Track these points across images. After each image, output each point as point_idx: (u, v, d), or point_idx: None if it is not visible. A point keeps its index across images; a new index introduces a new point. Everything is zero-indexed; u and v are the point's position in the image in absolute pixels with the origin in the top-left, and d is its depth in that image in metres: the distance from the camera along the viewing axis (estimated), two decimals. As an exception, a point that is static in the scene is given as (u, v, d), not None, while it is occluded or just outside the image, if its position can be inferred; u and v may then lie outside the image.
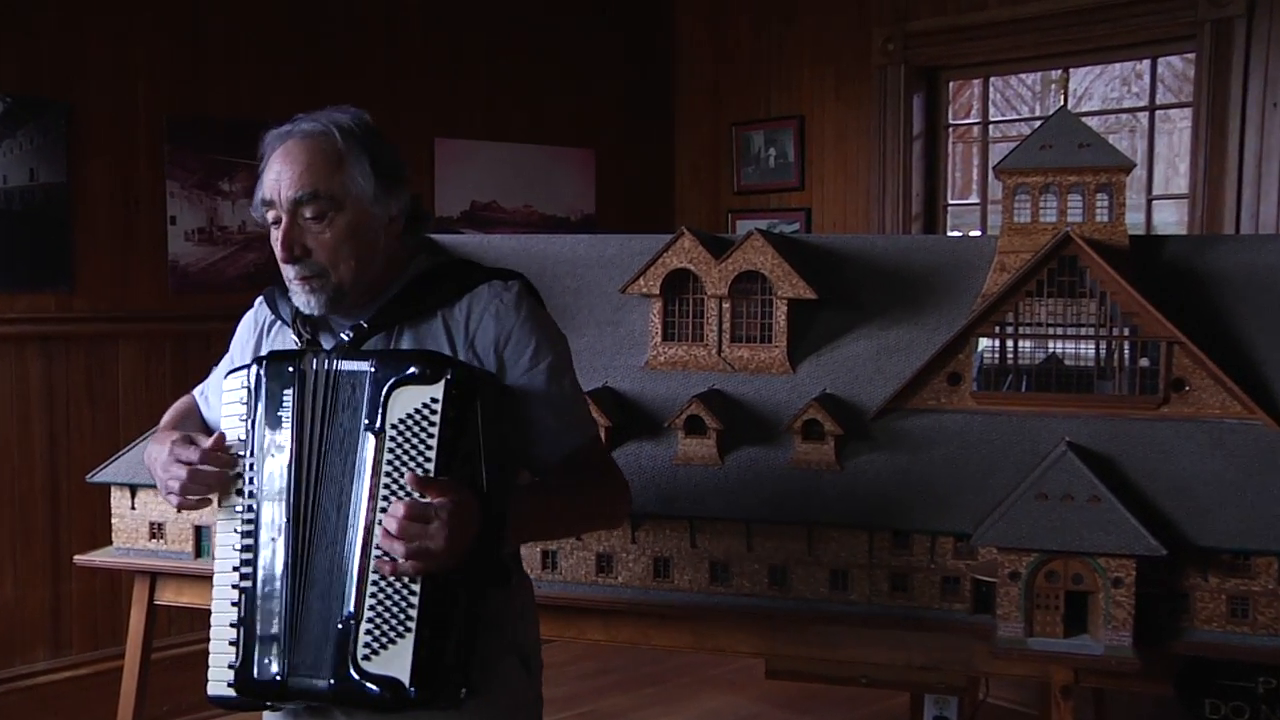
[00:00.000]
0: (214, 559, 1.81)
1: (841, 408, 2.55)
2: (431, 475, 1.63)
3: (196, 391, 2.17)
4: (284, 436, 1.73)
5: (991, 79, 4.85)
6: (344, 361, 1.73)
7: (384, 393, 1.65)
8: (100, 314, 4.06)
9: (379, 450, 1.64)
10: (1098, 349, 2.51)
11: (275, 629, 1.70)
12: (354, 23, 4.63)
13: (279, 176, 1.78)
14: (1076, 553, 2.14)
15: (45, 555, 4.00)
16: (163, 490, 1.83)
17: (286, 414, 1.72)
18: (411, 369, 1.66)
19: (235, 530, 1.77)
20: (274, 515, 1.73)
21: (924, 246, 2.84)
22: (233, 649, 1.74)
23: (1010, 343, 2.54)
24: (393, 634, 1.61)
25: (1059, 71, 4.63)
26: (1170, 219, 4.50)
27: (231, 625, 1.74)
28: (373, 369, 1.68)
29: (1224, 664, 2.17)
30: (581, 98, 5.36)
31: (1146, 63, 4.42)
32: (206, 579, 2.76)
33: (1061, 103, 2.75)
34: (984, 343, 2.55)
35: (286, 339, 1.92)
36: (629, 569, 2.48)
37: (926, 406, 2.54)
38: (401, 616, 1.61)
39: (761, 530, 2.42)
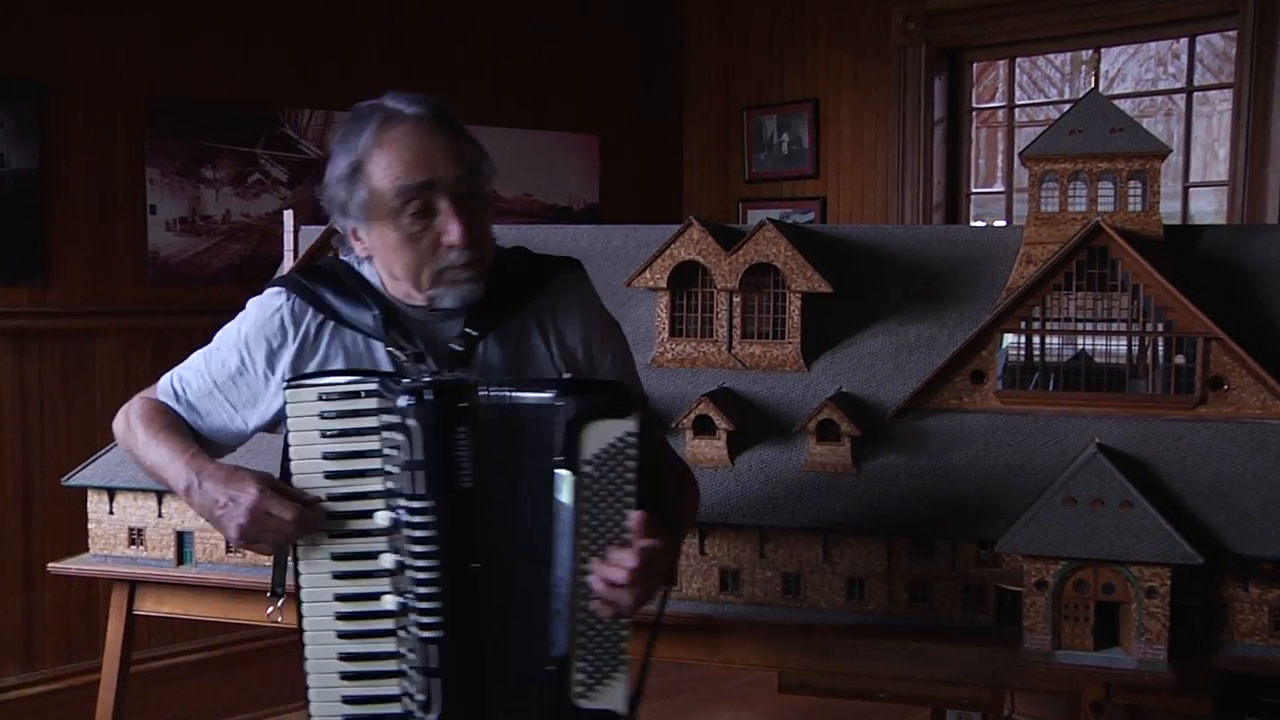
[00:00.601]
0: (304, 587, 1.73)
1: (858, 407, 2.55)
2: (633, 513, 1.65)
3: (164, 396, 1.98)
4: (446, 477, 1.67)
5: (1018, 60, 4.84)
6: (519, 393, 1.68)
7: (578, 428, 1.63)
8: (76, 308, 4.06)
9: (577, 489, 1.64)
10: (1130, 345, 2.50)
11: (467, 674, 1.70)
12: (348, 0, 4.63)
13: (429, 154, 1.75)
14: (1107, 561, 2.14)
15: (17, 563, 4.01)
16: (240, 541, 1.73)
17: (461, 453, 1.67)
18: (603, 402, 1.65)
19: (373, 557, 1.71)
20: (446, 559, 1.68)
21: (945, 237, 2.84)
22: (345, 683, 1.72)
23: (1037, 339, 2.53)
24: (607, 669, 1.68)
25: (1090, 51, 4.62)
26: (1208, 208, 4.49)
27: (357, 674, 1.72)
28: (560, 402, 1.65)
29: (1266, 680, 2.16)
30: (585, 80, 5.35)
31: (1184, 41, 4.41)
32: (189, 587, 2.80)
33: (1092, 85, 2.74)
34: (1009, 339, 2.54)
35: (349, 347, 1.84)
36: (634, 577, 2.48)
37: (948, 406, 2.53)
38: (614, 652, 1.68)
39: (774, 536, 2.42)
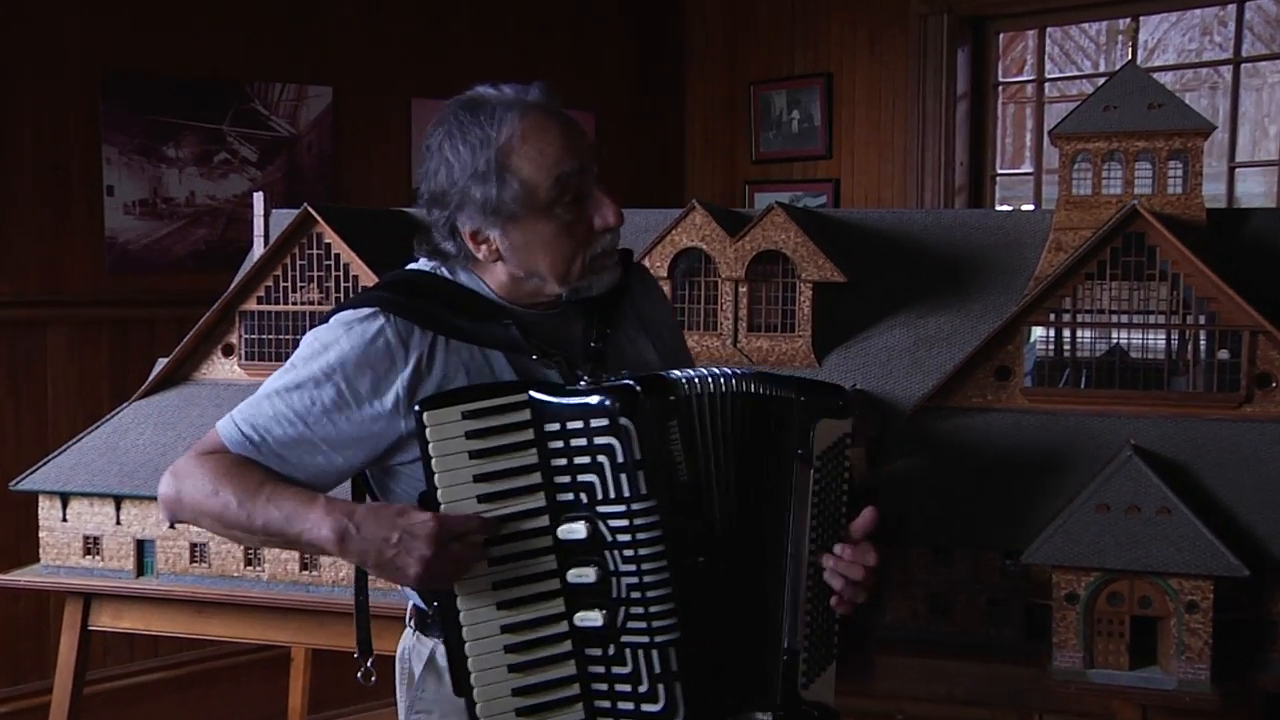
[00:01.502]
0: (465, 625, 1.73)
1: (874, 406, 2.55)
2: (845, 511, 1.79)
3: (239, 445, 1.82)
4: (666, 473, 1.72)
5: (1048, 29, 4.84)
6: (759, 384, 1.77)
7: (812, 424, 1.75)
8: (25, 297, 4.06)
9: (810, 483, 1.75)
10: (1169, 339, 2.50)
11: (704, 671, 1.75)
12: (320, -35, 4.63)
13: (574, 141, 1.81)
14: (1144, 572, 2.14)
15: (-37, 574, 4.01)
16: (425, 578, 1.70)
17: (674, 447, 1.74)
18: (831, 400, 1.78)
19: (547, 577, 1.73)
20: (673, 556, 1.72)
21: (968, 222, 2.84)
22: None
23: (1068, 332, 2.53)
24: (824, 661, 1.79)
25: (1127, 20, 4.61)
26: (1256, 189, 4.49)
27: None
28: (801, 398, 1.76)
29: (1314, 701, 2.17)
30: (579, 53, 5.35)
31: (1231, 7, 4.40)
32: (149, 600, 2.80)
33: (1130, 56, 2.74)
34: (1037, 332, 2.55)
35: (466, 362, 1.83)
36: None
37: (971, 404, 2.54)
38: (828, 645, 1.79)
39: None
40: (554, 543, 1.71)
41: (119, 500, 2.72)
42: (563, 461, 1.70)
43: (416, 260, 1.94)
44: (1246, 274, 2.48)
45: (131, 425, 2.85)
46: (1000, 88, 4.97)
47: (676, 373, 1.76)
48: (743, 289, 2.72)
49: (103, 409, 3.50)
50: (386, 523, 1.69)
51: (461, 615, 1.72)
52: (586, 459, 1.69)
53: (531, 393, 1.71)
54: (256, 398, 1.84)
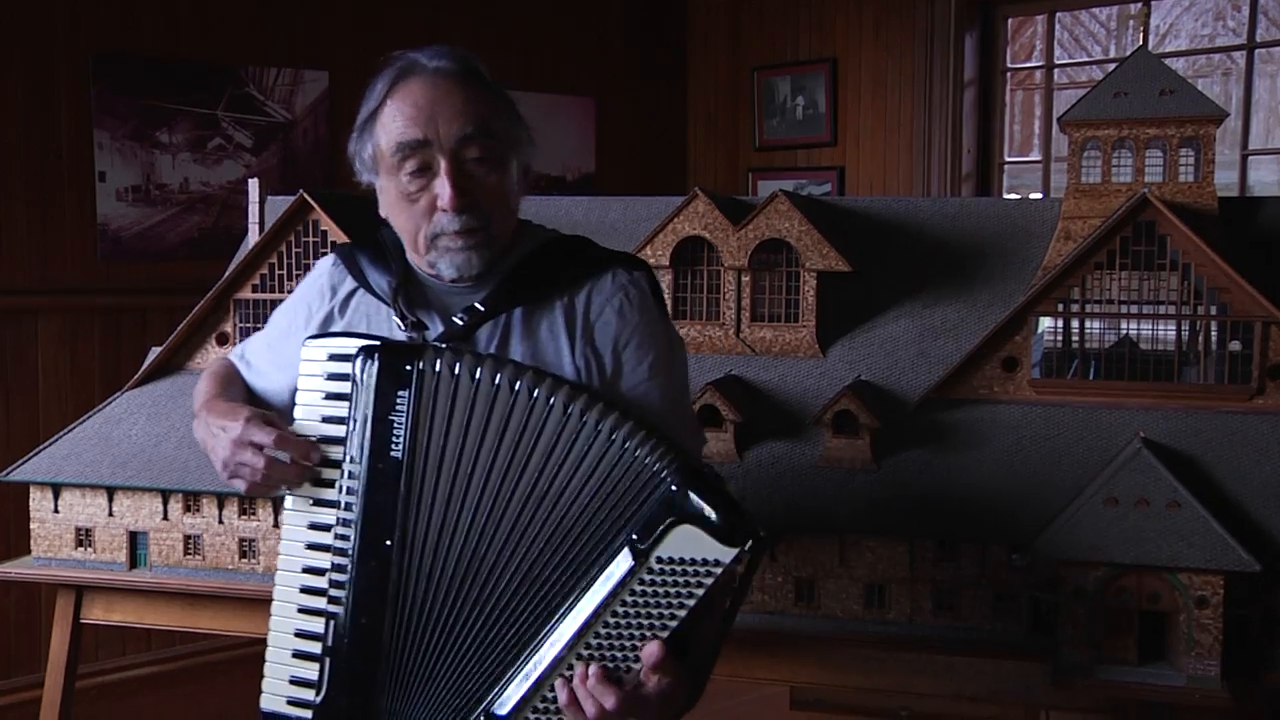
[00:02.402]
0: (281, 554, 1.79)
1: (879, 397, 2.55)
2: (665, 640, 1.60)
3: (234, 355, 2.17)
4: (375, 441, 1.71)
5: (1058, 14, 4.83)
6: (654, 459, 1.62)
7: (672, 520, 1.58)
8: (15, 286, 4.06)
9: (629, 578, 1.59)
10: (1180, 330, 2.50)
11: (376, 677, 1.72)
12: (315, -53, 4.62)
13: (432, 111, 1.80)
14: (1153, 567, 2.14)
15: (-47, 566, 4.02)
16: (224, 474, 1.82)
17: (396, 418, 1.71)
18: (717, 516, 1.57)
19: (322, 538, 1.76)
20: (360, 530, 1.72)
21: (976, 211, 2.84)
22: (301, 665, 1.76)
23: (1076, 323, 2.53)
24: None
25: (1138, 4, 4.61)
26: (1269, 178, 4.49)
27: (299, 653, 1.76)
28: (673, 485, 1.59)
29: (1327, 699, 2.17)
30: (581, 39, 5.35)
31: (1245, -9, 4.40)
32: (142, 593, 2.80)
33: (1141, 41, 2.74)
34: (1045, 323, 2.54)
35: (371, 314, 1.93)
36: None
37: (977, 396, 2.53)
38: None
39: (786, 538, 2.43)
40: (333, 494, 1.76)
41: (111, 491, 2.72)
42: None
43: None
44: (1259, 264, 2.48)
45: (124, 415, 2.86)
46: (1009, 74, 4.97)
47: (470, 357, 1.69)
48: (746, 278, 2.72)
49: (95, 399, 3.51)
50: (217, 418, 1.85)
51: (282, 542, 1.80)
52: (347, 413, 1.75)
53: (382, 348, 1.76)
54: None
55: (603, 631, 1.61)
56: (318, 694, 1.74)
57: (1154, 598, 2.16)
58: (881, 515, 2.40)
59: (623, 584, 1.59)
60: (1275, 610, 2.20)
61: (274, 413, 1.86)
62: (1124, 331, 2.54)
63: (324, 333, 1.90)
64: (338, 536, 1.73)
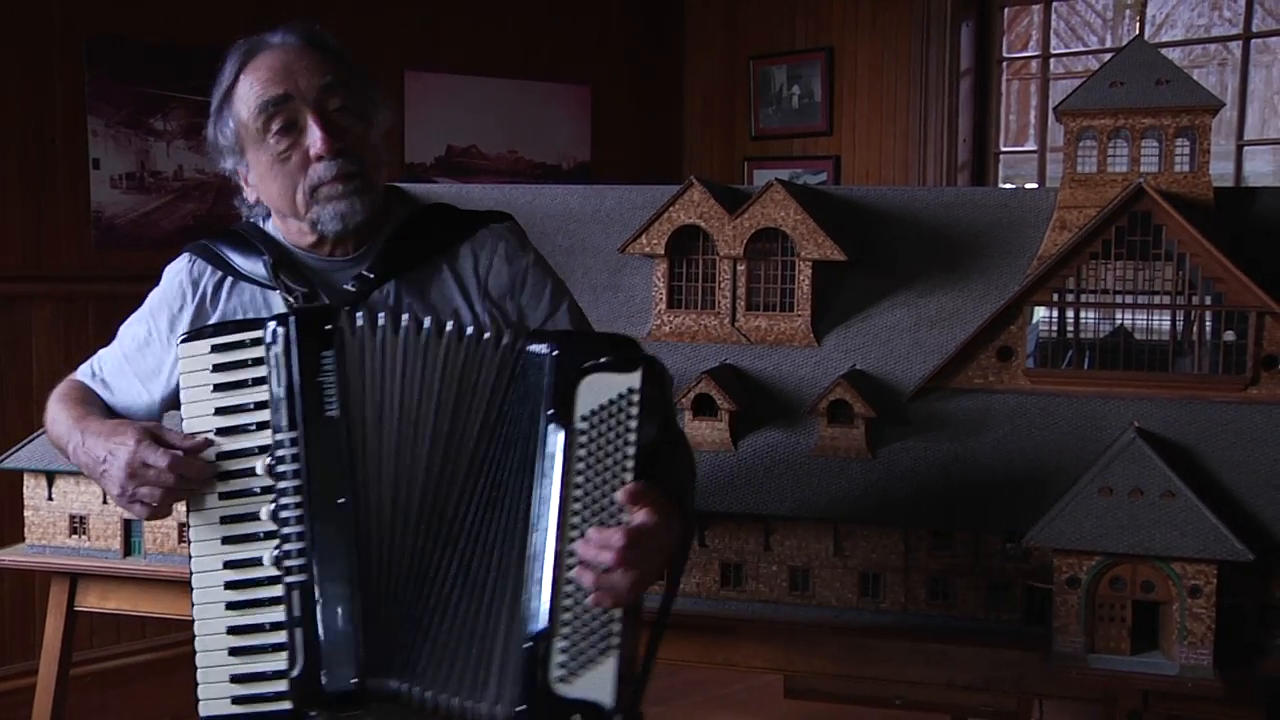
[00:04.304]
0: (194, 556, 1.76)
1: (874, 387, 2.55)
2: (631, 480, 1.64)
3: (83, 376, 2.08)
4: (306, 405, 1.71)
5: (1054, 4, 4.83)
6: (530, 343, 1.70)
7: (574, 380, 1.65)
8: (9, 272, 4.05)
9: (569, 447, 1.64)
10: (1174, 320, 2.50)
11: (354, 637, 1.69)
12: (309, -67, 4.61)
13: (288, 69, 1.82)
14: (1147, 556, 2.14)
15: (-53, 553, 4.01)
16: (123, 502, 1.77)
17: (326, 379, 1.71)
18: (603, 354, 1.66)
19: (244, 528, 1.74)
20: (308, 494, 1.70)
21: (971, 201, 2.84)
22: (241, 660, 1.73)
23: (1071, 313, 2.53)
24: (594, 652, 1.64)
25: (1134, -5, 4.61)
26: (1265, 168, 4.50)
27: (246, 648, 1.73)
28: (555, 353, 1.67)
29: (1320, 688, 2.18)
30: (576, 25, 5.34)
31: (1243, -19, 4.40)
32: (136, 581, 2.80)
33: (1137, 31, 2.74)
34: (1040, 313, 2.54)
35: (245, 303, 1.92)
36: (626, 572, 2.49)
37: (972, 386, 2.54)
38: (603, 633, 1.64)
39: (781, 527, 2.43)
40: (258, 484, 1.74)
41: (106, 479, 2.71)
42: (265, 396, 1.73)
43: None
44: (1254, 254, 2.48)
45: (118, 403, 2.85)
46: (1005, 63, 4.96)
47: (371, 314, 1.72)
48: (741, 267, 2.72)
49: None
50: (103, 441, 1.80)
51: (191, 545, 1.77)
52: (265, 392, 1.73)
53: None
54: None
55: (577, 506, 1.64)
56: (292, 666, 1.70)
57: (1147, 587, 2.16)
58: (876, 504, 2.40)
59: (568, 455, 1.63)
60: (1267, 600, 2.20)
61: (156, 423, 1.84)
62: (1119, 321, 2.55)
63: (197, 329, 1.85)
64: (279, 508, 1.71)
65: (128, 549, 2.74)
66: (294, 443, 1.70)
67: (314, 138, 1.80)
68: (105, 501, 2.73)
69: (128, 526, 2.74)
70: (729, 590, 2.46)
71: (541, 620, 1.64)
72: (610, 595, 1.62)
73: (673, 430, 1.89)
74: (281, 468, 1.71)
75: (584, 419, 1.64)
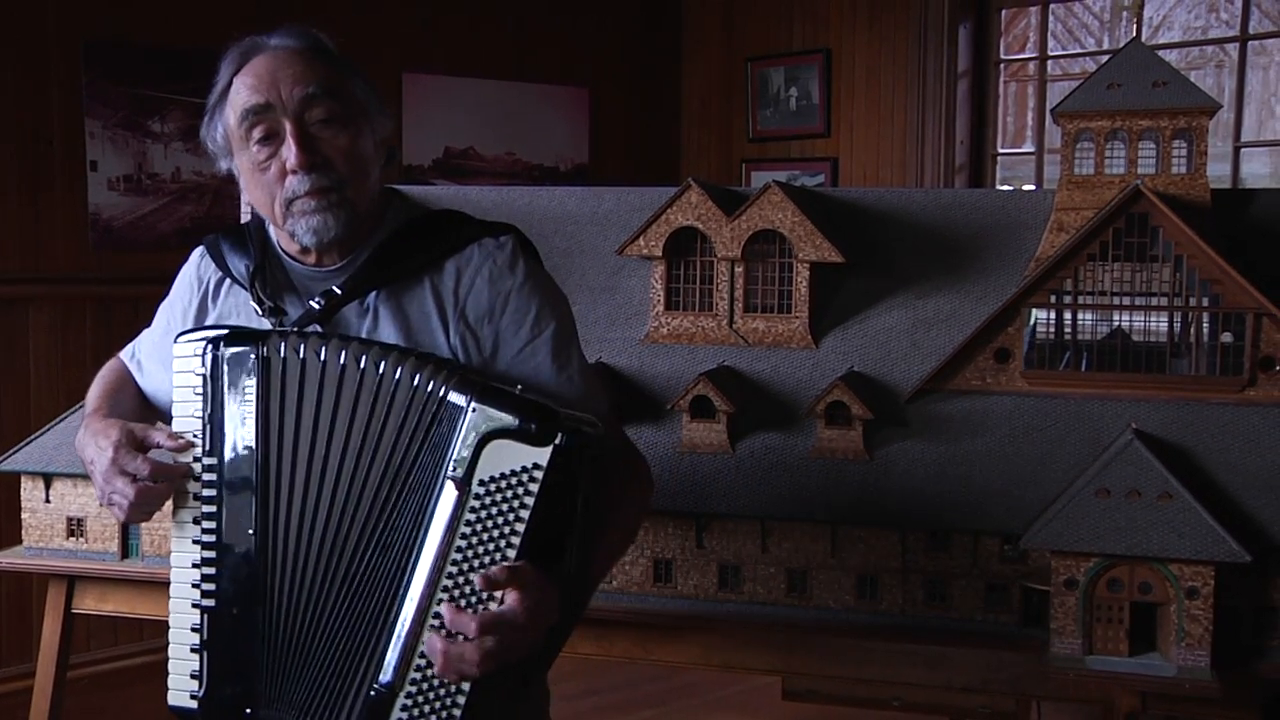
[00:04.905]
0: (174, 550, 1.80)
1: (871, 388, 2.55)
2: (515, 557, 1.59)
3: (126, 355, 2.16)
4: (222, 433, 1.73)
5: (1051, 6, 4.83)
6: (451, 391, 1.65)
7: (482, 441, 1.60)
8: (7, 274, 4.05)
9: (459, 508, 1.60)
10: (1172, 322, 2.50)
11: (255, 664, 1.72)
12: (307, -65, 4.61)
13: (273, 78, 1.80)
14: (1144, 558, 2.14)
15: (-56, 556, 4.01)
16: (102, 500, 1.81)
17: (245, 408, 1.71)
18: (517, 421, 1.59)
19: (195, 534, 1.77)
20: (219, 522, 1.73)
21: (969, 202, 2.84)
22: (195, 659, 1.77)
23: (1068, 314, 2.53)
24: (433, 717, 1.64)
25: (1131, -3, 4.61)
26: (1262, 170, 4.50)
27: (193, 648, 1.77)
28: (473, 408, 1.61)
29: (1318, 690, 2.18)
30: (574, 27, 5.34)
31: (1240, -17, 4.40)
32: (134, 583, 2.80)
33: (1134, 33, 2.74)
34: (1038, 314, 2.54)
35: (239, 303, 1.93)
36: (625, 573, 2.49)
37: (970, 387, 2.54)
38: (446, 700, 1.63)
39: (778, 529, 2.43)
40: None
41: (103, 481, 2.71)
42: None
43: None
44: (1251, 256, 2.48)
45: (116, 405, 2.85)
46: (1002, 65, 4.97)
47: (315, 339, 1.71)
48: (739, 269, 2.72)
49: (86, 388, 3.50)
50: (92, 440, 1.83)
51: (172, 541, 1.79)
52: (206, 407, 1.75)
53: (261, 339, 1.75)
54: None
55: (452, 570, 1.61)
56: (200, 687, 1.75)
57: (1145, 588, 2.16)
58: (873, 506, 2.40)
59: (455, 517, 1.60)
60: (1264, 601, 2.20)
61: (158, 420, 1.86)
62: (1116, 323, 2.54)
63: (195, 327, 1.86)
64: (204, 532, 1.74)
65: (125, 551, 2.74)
66: (211, 469, 1.73)
67: (289, 153, 1.77)
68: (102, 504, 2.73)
69: (125, 529, 2.73)
70: (726, 592, 2.46)
71: (390, 673, 1.64)
72: (455, 669, 1.58)
73: (593, 512, 1.73)
74: (207, 491, 1.74)
75: (481, 484, 1.60)
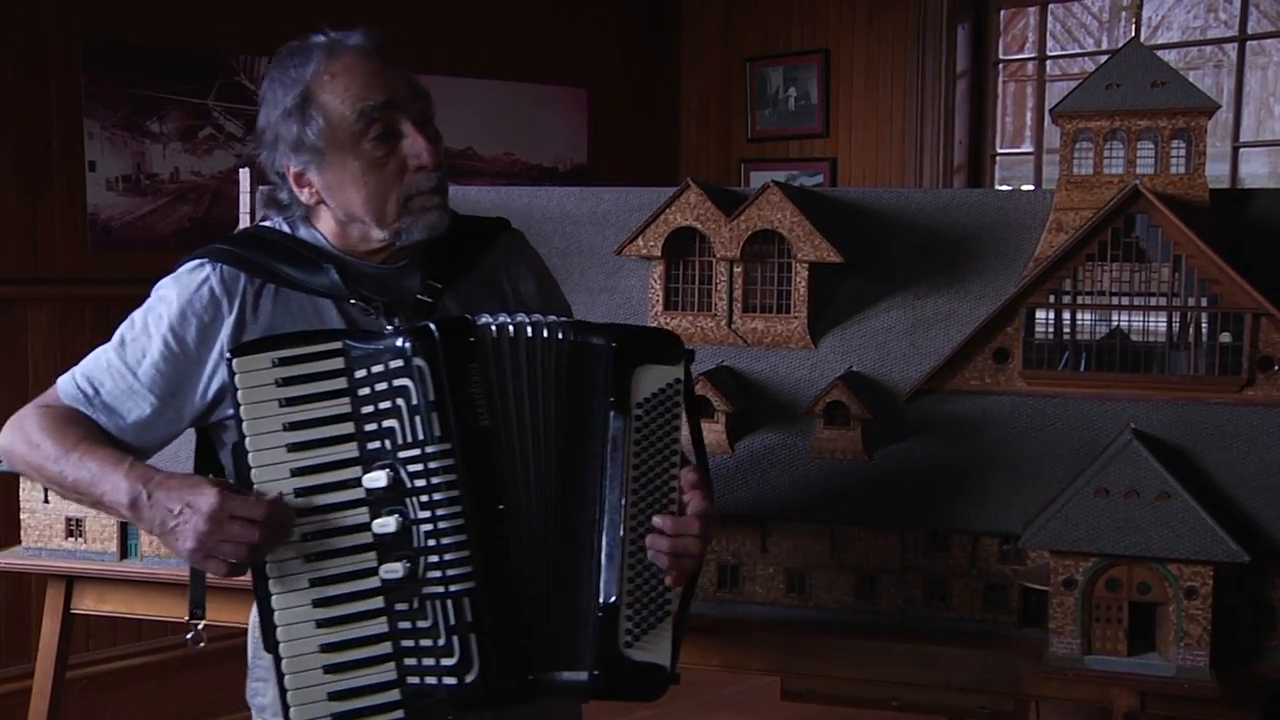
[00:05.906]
0: (271, 578, 1.70)
1: (870, 388, 2.55)
2: (679, 464, 1.80)
3: (71, 397, 1.86)
4: (460, 416, 1.71)
5: (1050, 6, 4.83)
6: (593, 338, 1.78)
7: (630, 370, 1.77)
8: (6, 275, 4.05)
9: (628, 432, 1.76)
10: (1170, 322, 2.50)
11: (504, 625, 1.71)
12: (305, -64, 4.61)
13: (384, 77, 1.82)
14: (1143, 558, 2.15)
15: (-57, 556, 4.00)
16: (197, 555, 1.67)
17: (475, 389, 1.72)
18: (651, 346, 1.80)
19: (353, 540, 1.70)
20: (470, 502, 1.70)
21: (967, 202, 2.84)
22: (343, 675, 1.69)
23: (1067, 314, 2.53)
24: (653, 619, 1.78)
25: (1130, -3, 4.61)
26: (1260, 170, 4.50)
27: (352, 662, 1.69)
28: (613, 344, 1.77)
29: (1317, 690, 2.18)
30: (573, 28, 5.34)
31: (1239, -17, 4.40)
32: (132, 583, 2.80)
33: (1133, 33, 2.74)
34: (1037, 314, 2.55)
35: (296, 309, 1.84)
36: (623, 574, 2.49)
37: (969, 388, 2.54)
38: (660, 601, 1.79)
39: (777, 529, 2.43)
40: (365, 494, 1.70)
41: (102, 481, 2.71)
42: (370, 408, 1.70)
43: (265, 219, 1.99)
44: (1249, 256, 2.48)
45: (115, 405, 2.85)
46: (1001, 65, 4.97)
47: (486, 317, 1.75)
48: (738, 269, 2.72)
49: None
50: (176, 494, 1.69)
51: (268, 567, 1.69)
52: (388, 403, 1.69)
53: (345, 339, 1.72)
54: (96, 352, 1.90)
55: (634, 487, 1.76)
56: (467, 671, 1.68)
57: (1144, 588, 2.16)
58: (872, 506, 2.40)
59: (626, 438, 1.76)
60: (1263, 601, 2.21)
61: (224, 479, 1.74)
62: (1115, 323, 2.55)
63: (249, 341, 1.75)
64: (414, 524, 1.67)
65: (124, 552, 2.74)
66: (445, 454, 1.68)
67: (418, 148, 1.81)
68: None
69: (124, 529, 2.73)
70: (726, 592, 2.46)
71: (610, 592, 1.75)
72: (679, 565, 1.76)
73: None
74: (433, 479, 1.68)
75: (639, 405, 1.77)
